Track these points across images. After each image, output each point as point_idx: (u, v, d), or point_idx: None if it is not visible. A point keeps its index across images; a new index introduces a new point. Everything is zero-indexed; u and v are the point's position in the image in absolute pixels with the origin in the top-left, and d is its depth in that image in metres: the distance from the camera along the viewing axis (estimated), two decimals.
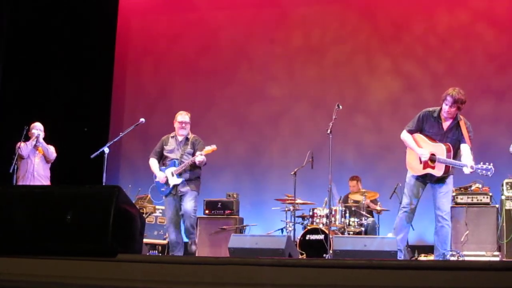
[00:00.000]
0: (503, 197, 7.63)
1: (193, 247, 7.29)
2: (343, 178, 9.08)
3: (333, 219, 8.11)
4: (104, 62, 10.71)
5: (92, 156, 7.77)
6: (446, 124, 6.15)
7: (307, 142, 8.94)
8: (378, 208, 8.59)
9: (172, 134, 7.48)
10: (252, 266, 2.80)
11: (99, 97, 10.60)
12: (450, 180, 6.26)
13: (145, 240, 8.97)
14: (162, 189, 7.31)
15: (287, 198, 8.46)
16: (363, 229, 8.21)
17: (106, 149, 7.64)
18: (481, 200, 7.87)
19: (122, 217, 3.16)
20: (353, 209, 8.37)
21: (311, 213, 8.32)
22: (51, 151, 8.17)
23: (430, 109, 6.25)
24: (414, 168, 6.26)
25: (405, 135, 6.31)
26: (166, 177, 7.22)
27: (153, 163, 7.41)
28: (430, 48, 10.05)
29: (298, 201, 8.38)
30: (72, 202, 3.20)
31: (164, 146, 7.42)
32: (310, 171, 8.33)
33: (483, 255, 7.48)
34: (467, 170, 5.86)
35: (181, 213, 7.15)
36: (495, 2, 9.96)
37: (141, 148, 10.88)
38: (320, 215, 8.20)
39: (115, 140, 8.07)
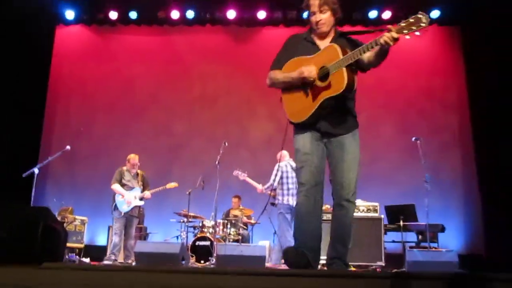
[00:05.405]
0: None
1: (130, 261, 7.50)
2: (228, 197, 9.25)
3: (217, 229, 8.26)
4: (37, 98, 10.27)
5: (24, 175, 7.50)
6: (323, 44, 3.50)
7: (201, 169, 9.01)
8: (252, 221, 8.82)
9: (125, 168, 7.92)
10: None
11: (31, 124, 9.99)
12: (356, 138, 3.48)
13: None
14: (124, 207, 7.68)
15: (182, 212, 8.50)
16: (240, 237, 8.39)
17: (36, 170, 7.44)
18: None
19: (48, 232, 3.13)
20: (233, 221, 8.55)
21: (200, 224, 8.42)
22: None
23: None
24: (302, 110, 3.49)
25: (270, 74, 3.66)
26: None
27: (119, 187, 7.78)
28: None
29: (191, 214, 8.46)
30: (5, 220, 3.13)
31: (123, 177, 7.84)
32: (202, 192, 8.43)
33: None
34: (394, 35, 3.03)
35: (127, 232, 7.71)
36: None
37: (66, 168, 10.55)
38: (207, 226, 8.31)
39: (44, 163, 7.87)
